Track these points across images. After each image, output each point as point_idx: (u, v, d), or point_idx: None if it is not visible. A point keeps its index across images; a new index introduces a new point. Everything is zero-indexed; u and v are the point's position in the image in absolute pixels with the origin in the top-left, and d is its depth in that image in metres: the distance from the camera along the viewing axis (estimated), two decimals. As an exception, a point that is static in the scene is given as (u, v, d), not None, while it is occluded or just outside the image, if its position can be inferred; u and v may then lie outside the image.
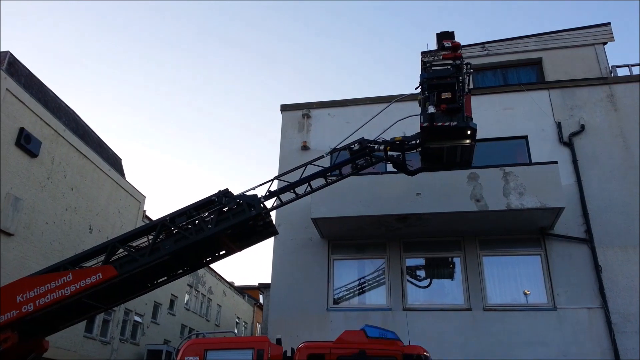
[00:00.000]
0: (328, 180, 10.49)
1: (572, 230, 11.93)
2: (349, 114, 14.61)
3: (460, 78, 9.32)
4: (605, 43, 15.61)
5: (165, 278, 10.59)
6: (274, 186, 10.66)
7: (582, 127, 13.01)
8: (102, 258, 9.74)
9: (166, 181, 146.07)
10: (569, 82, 14.05)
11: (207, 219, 9.63)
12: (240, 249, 10.71)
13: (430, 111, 9.17)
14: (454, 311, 11.78)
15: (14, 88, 17.18)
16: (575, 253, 11.75)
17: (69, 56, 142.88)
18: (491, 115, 13.35)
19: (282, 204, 10.47)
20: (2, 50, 19.09)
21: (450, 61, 9.47)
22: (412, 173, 10.28)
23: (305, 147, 14.27)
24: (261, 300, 39.90)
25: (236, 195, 9.84)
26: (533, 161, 12.62)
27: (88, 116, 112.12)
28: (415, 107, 14.37)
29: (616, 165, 12.45)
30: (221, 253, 10.64)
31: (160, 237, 9.64)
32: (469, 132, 9.25)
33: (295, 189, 10.52)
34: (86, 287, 9.14)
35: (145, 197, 26.24)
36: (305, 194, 10.71)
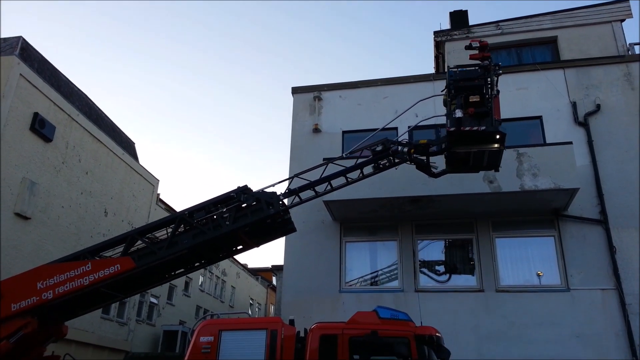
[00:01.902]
0: (348, 180, 10.16)
1: (587, 211, 11.82)
2: (360, 96, 14.52)
3: (489, 79, 8.90)
4: (622, 20, 15.26)
5: (183, 270, 10.68)
6: (294, 183, 10.42)
7: (598, 106, 12.79)
8: (120, 248, 9.83)
9: (179, 164, 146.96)
10: (585, 60, 13.79)
11: (225, 215, 9.57)
12: (257, 244, 10.65)
13: (457, 115, 8.75)
14: (466, 292, 11.80)
15: (28, 73, 17.29)
16: (590, 234, 11.66)
17: (81, 41, 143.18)
18: (505, 95, 13.09)
19: (301, 202, 10.22)
20: (15, 35, 19.18)
21: (478, 62, 9.01)
22: (436, 175, 9.93)
23: (316, 130, 14.24)
24: (274, 282, 40.30)
25: (255, 192, 9.71)
26: (547, 142, 12.47)
27: (101, 100, 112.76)
28: (430, 89, 14.33)
29: (632, 146, 12.25)
30: (238, 248, 10.65)
31: (179, 230, 9.69)
32: (497, 137, 8.89)
33: (315, 187, 10.27)
34: (104, 277, 9.27)
35: (158, 180, 26.42)
36: (325, 193, 10.48)
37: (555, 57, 15.57)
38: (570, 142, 11.55)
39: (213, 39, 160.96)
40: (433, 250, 12.73)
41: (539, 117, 13.04)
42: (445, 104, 9.42)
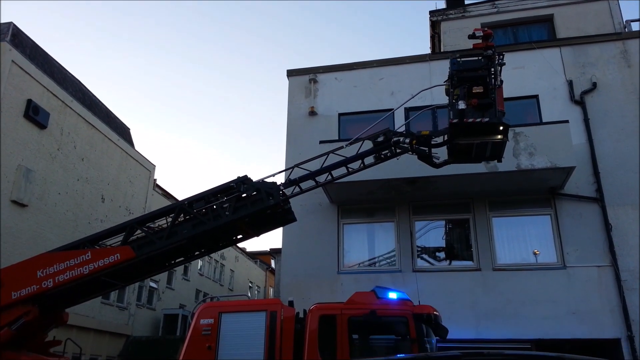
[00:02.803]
0: (349, 170, 10.08)
1: (583, 189, 11.87)
2: (356, 78, 14.43)
3: (492, 70, 8.75)
4: (619, -3, 15.15)
5: (182, 259, 10.71)
6: (294, 173, 10.28)
7: (594, 84, 12.77)
8: (120, 237, 9.84)
9: (175, 150, 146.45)
10: (581, 38, 13.72)
11: (225, 206, 9.53)
12: (257, 234, 10.65)
13: (460, 107, 8.59)
14: (463, 272, 11.90)
15: (20, 59, 17.12)
16: (586, 212, 11.74)
17: (71, 27, 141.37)
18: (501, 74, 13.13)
19: (301, 192, 10.14)
20: (5, 21, 18.94)
21: (481, 51, 8.84)
22: (437, 166, 9.84)
23: (312, 113, 14.18)
24: (273, 265, 40.54)
25: (255, 182, 9.64)
26: (544, 121, 12.46)
27: (94, 87, 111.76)
28: (426, 69, 14.26)
29: (628, 123, 12.27)
30: (238, 237, 10.66)
31: (179, 219, 9.70)
32: (501, 128, 8.79)
33: (316, 177, 10.19)
34: (104, 266, 9.29)
35: (155, 166, 26.39)
36: (326, 183, 10.46)
37: (551, 35, 15.48)
38: (567, 121, 11.54)
39: (207, 23, 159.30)
40: (430, 230, 12.80)
41: (535, 96, 13.01)
42: (447, 93, 9.29)
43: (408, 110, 13.77)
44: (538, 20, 15.86)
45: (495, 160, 9.79)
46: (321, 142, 12.69)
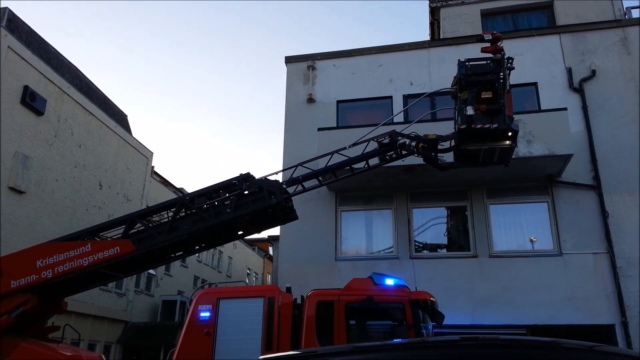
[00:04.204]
0: (354, 171, 10.02)
1: (580, 177, 11.91)
2: (355, 65, 14.38)
3: (501, 74, 8.56)
4: (620, -17, 15.03)
5: (182, 253, 10.74)
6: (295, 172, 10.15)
7: (593, 72, 12.74)
8: (120, 229, 9.84)
9: (173, 137, 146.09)
10: (581, 25, 13.66)
11: (226, 202, 9.47)
12: (258, 231, 10.59)
13: (468, 113, 8.42)
14: (460, 259, 11.97)
15: (16, 45, 16.98)
16: (583, 199, 11.78)
17: (66, 12, 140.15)
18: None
19: (304, 190, 10.08)
20: (1, 6, 18.74)
21: (490, 55, 8.64)
22: (443, 169, 9.73)
23: (310, 100, 14.14)
24: (271, 252, 40.69)
25: (257, 180, 9.53)
26: (542, 108, 12.45)
27: (91, 73, 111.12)
28: (425, 56, 14.21)
29: (627, 111, 12.27)
30: (239, 233, 10.65)
31: (180, 214, 9.70)
32: (509, 134, 8.67)
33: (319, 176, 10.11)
34: (104, 259, 9.28)
35: (152, 153, 26.32)
36: (329, 182, 10.41)
37: (551, 22, 15.39)
38: (565, 109, 11.53)
39: (204, 9, 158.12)
40: (428, 218, 12.84)
41: (534, 84, 12.99)
42: (453, 97, 9.15)
43: (406, 98, 13.76)
44: (538, 7, 15.77)
45: (503, 165, 9.61)
46: (319, 129, 12.68)
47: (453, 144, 9.17)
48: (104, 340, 21.60)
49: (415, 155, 9.50)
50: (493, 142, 8.86)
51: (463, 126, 8.55)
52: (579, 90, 12.63)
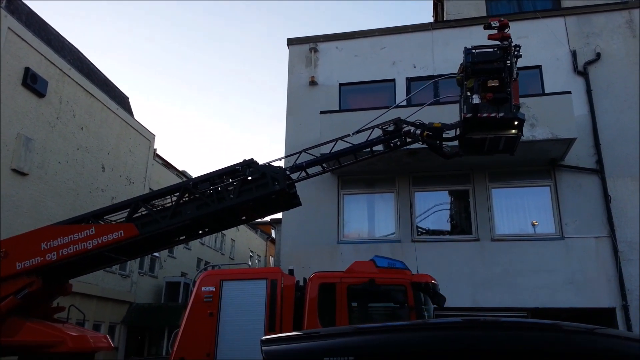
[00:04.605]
0: (358, 157, 10.00)
1: (583, 161, 11.87)
2: (357, 47, 14.26)
3: (508, 62, 8.43)
4: (627, -36, 14.79)
5: (185, 237, 10.80)
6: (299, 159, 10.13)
7: (598, 55, 12.62)
8: (125, 213, 9.89)
9: (175, 119, 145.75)
10: (586, 8, 13.48)
11: (229, 188, 9.49)
12: (261, 216, 10.62)
13: (475, 101, 8.36)
14: (462, 242, 12.01)
15: (16, 27, 16.86)
16: (585, 183, 11.77)
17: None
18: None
19: (307, 177, 10.08)
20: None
21: (497, 42, 8.51)
22: (448, 157, 9.68)
23: (313, 83, 14.05)
24: (273, 235, 40.87)
25: (261, 166, 9.52)
26: (546, 91, 12.37)
27: (91, 55, 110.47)
28: (429, 38, 14.07)
29: (631, 95, 12.18)
30: (242, 218, 10.68)
31: (184, 198, 9.70)
32: (516, 123, 8.59)
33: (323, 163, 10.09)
34: (108, 242, 9.37)
35: (154, 135, 26.30)
36: (333, 169, 10.39)
37: (556, 4, 15.21)
38: (569, 92, 11.45)
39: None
40: (430, 201, 12.85)
41: (538, 67, 12.88)
42: (459, 84, 9.06)
43: (409, 81, 13.67)
44: (543, -12, 15.55)
45: (509, 154, 9.54)
46: (322, 112, 12.63)
47: (458, 132, 9.12)
48: (108, 320, 21.86)
49: (420, 143, 9.47)
50: (499, 131, 8.79)
51: (469, 115, 8.49)
52: (583, 73, 12.52)
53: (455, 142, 9.46)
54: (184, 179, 31.72)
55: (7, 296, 9.17)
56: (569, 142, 11.14)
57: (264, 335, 3.81)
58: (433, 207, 12.83)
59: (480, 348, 2.72)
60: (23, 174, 16.92)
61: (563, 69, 12.73)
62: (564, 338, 2.76)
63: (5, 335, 9.03)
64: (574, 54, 12.73)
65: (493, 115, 8.40)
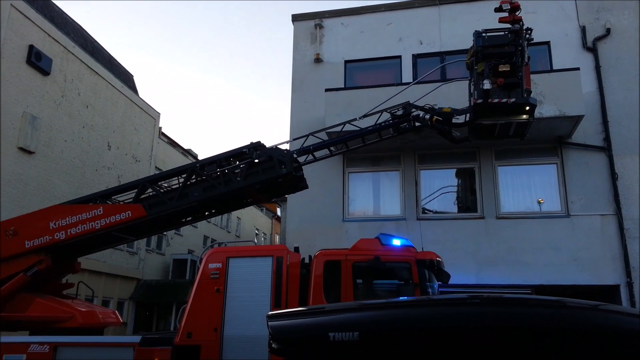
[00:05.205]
0: (365, 141, 9.94)
1: (591, 138, 11.78)
2: (364, 23, 14.08)
3: (520, 46, 8.27)
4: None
5: (191, 218, 10.88)
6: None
7: (608, 31, 12.40)
8: (132, 194, 9.95)
9: (179, 98, 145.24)
10: (597, -18, 13.19)
11: (236, 171, 9.49)
12: (268, 199, 10.66)
13: (485, 87, 8.20)
14: (467, 220, 12.02)
15: (19, 4, 16.72)
16: (592, 161, 11.70)
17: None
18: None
19: (315, 160, 10.06)
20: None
21: (508, 25, 8.34)
22: (457, 142, 9.59)
23: (318, 60, 13.94)
24: (279, 213, 41.04)
25: (268, 149, 9.48)
26: (554, 68, 12.21)
27: (95, 32, 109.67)
28: (436, 13, 13.85)
29: (640, 71, 12.00)
30: (249, 200, 10.72)
31: (191, 180, 9.73)
32: (527, 108, 8.46)
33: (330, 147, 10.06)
34: (116, 223, 9.44)
35: (159, 113, 26.24)
36: (340, 152, 10.37)
37: (566, -22, 14.87)
38: (577, 69, 11.31)
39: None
40: (435, 179, 12.83)
41: (547, 43, 12.69)
42: (468, 68, 8.92)
43: (416, 57, 13.53)
44: (553, -39, 15.19)
45: (519, 139, 9.48)
46: (327, 90, 12.55)
47: (468, 117, 9.02)
48: (117, 297, 22.17)
49: (429, 128, 9.39)
50: (510, 117, 8.69)
51: (479, 101, 8.37)
52: (592, 49, 12.33)
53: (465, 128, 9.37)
54: (189, 157, 31.84)
55: (17, 273, 9.32)
56: (576, 120, 11.04)
57: (270, 311, 3.86)
58: (438, 185, 12.81)
59: (483, 324, 2.75)
60: (29, 152, 16.98)
61: (572, 45, 12.54)
62: (569, 314, 2.78)
63: (16, 311, 9.20)
64: (583, 30, 12.52)
65: (504, 100, 8.29)
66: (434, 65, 12.79)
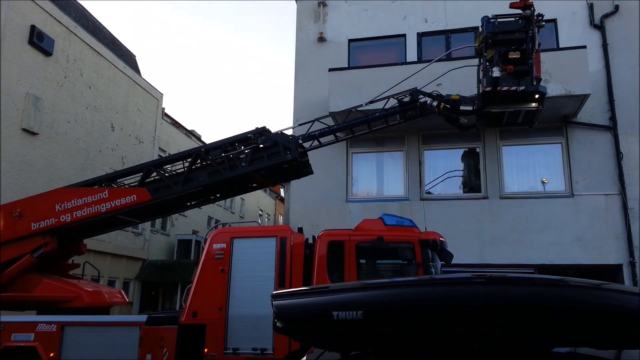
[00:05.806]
0: (372, 128, 9.89)
1: (596, 117, 11.69)
2: (368, 1, 13.88)
3: (530, 33, 8.09)
4: None
5: (196, 202, 10.93)
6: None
7: (616, 7, 12.19)
8: (137, 177, 9.98)
9: (181, 78, 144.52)
10: (606, -43, 12.92)
11: (241, 156, 9.49)
12: (272, 185, 10.67)
13: (495, 74, 8.05)
14: (470, 200, 12.01)
15: (19, -17, 16.57)
16: (597, 140, 11.62)
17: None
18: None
19: (320, 145, 10.02)
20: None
21: (519, 11, 8.18)
22: (464, 129, 9.47)
23: (321, 39, 13.79)
24: (282, 194, 41.12)
25: (273, 135, 9.47)
26: (561, 46, 12.05)
27: (97, 12, 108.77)
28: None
29: (648, 49, 11.83)
30: (253, 185, 10.75)
31: (196, 164, 9.74)
32: (537, 96, 8.32)
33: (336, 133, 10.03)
34: (121, 206, 9.51)
35: (162, 94, 26.16)
36: (346, 138, 10.31)
37: (574, -47, 14.58)
38: (584, 47, 11.15)
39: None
40: (439, 159, 12.79)
41: (554, 20, 12.50)
42: (477, 53, 8.78)
43: (420, 36, 13.37)
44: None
45: (527, 126, 9.37)
46: (330, 69, 12.46)
47: (476, 104, 8.92)
48: (122, 277, 22.41)
49: (437, 114, 9.32)
50: (518, 104, 8.57)
51: (488, 88, 8.26)
52: (599, 27, 12.15)
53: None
54: (193, 138, 31.82)
55: (24, 255, 9.42)
56: (582, 99, 10.94)
57: (274, 291, 3.89)
58: (442, 165, 12.77)
59: (486, 303, 2.76)
60: (33, 134, 17.00)
61: (579, 23, 12.35)
62: (571, 293, 2.79)
63: (23, 291, 9.33)
64: (590, 7, 12.31)
65: (514, 88, 8.17)
66: (439, 43, 12.66)
